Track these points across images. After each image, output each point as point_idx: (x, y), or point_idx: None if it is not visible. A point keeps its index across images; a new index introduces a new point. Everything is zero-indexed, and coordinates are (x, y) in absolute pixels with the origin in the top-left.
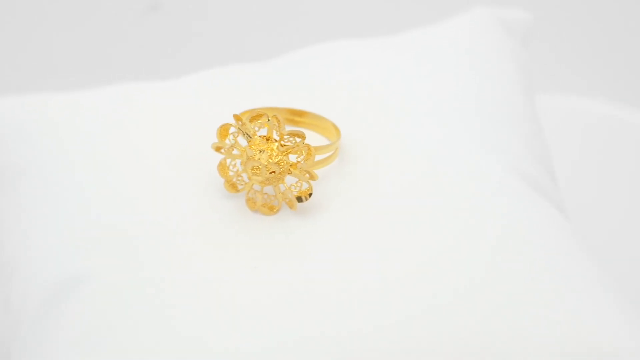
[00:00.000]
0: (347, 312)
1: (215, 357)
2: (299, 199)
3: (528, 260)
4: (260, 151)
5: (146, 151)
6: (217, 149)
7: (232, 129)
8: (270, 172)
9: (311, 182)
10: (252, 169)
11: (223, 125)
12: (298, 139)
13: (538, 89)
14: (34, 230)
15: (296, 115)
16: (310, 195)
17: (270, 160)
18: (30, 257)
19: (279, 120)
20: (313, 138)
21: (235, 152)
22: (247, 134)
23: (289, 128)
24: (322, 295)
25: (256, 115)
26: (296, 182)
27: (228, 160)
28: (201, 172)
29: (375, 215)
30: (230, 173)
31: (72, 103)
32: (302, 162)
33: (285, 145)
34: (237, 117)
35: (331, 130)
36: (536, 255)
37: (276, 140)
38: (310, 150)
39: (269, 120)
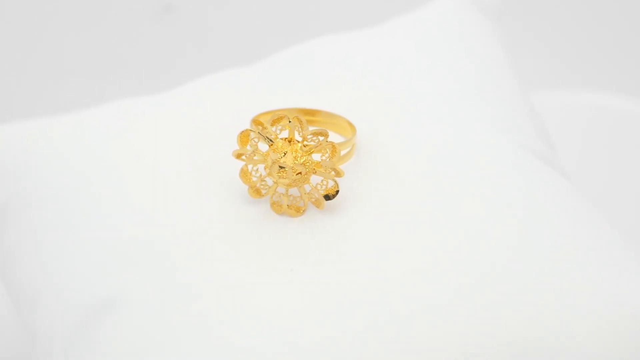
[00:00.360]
0: (379, 310)
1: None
2: (327, 197)
3: (556, 234)
4: (285, 153)
5: (158, 163)
6: (238, 155)
7: (252, 134)
8: (297, 174)
9: (336, 179)
10: (278, 172)
11: (243, 131)
12: (321, 138)
13: (538, 85)
14: (55, 257)
15: (308, 115)
16: (337, 192)
17: (296, 162)
18: (55, 285)
19: (301, 121)
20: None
21: (255, 157)
22: (269, 138)
23: (310, 128)
24: (358, 293)
25: (277, 118)
26: (321, 181)
27: (249, 166)
28: (219, 179)
29: (401, 209)
30: (254, 179)
31: (75, 124)
32: (327, 160)
33: (308, 145)
34: (257, 122)
35: (345, 127)
36: (563, 229)
37: (298, 141)
38: (334, 148)
39: (289, 122)
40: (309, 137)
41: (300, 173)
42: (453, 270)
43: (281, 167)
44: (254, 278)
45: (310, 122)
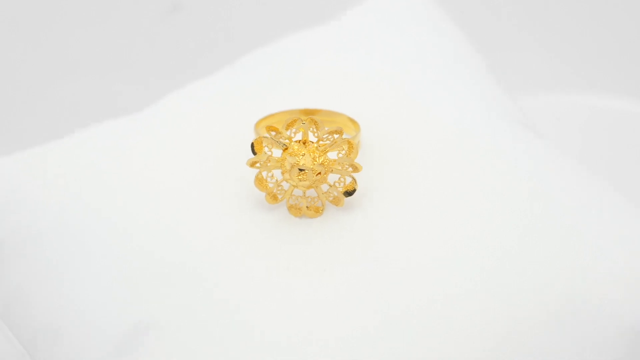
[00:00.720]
0: (420, 296)
1: None
2: (346, 194)
3: (570, 200)
4: (302, 155)
5: (164, 179)
6: (253, 164)
7: (265, 141)
8: (317, 174)
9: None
10: (298, 176)
11: (257, 139)
12: (336, 135)
13: (536, 88)
14: (77, 288)
15: (309, 114)
16: (355, 189)
17: (315, 163)
18: (81, 317)
19: (315, 122)
20: None
21: (270, 163)
22: (283, 143)
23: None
24: (396, 284)
25: (291, 122)
26: (338, 179)
27: (264, 173)
28: (229, 188)
29: (417, 198)
30: (270, 185)
31: (68, 149)
32: (344, 157)
33: (323, 144)
34: (270, 128)
35: (347, 124)
36: (576, 194)
37: (312, 142)
38: (351, 145)
39: (303, 123)
40: (324, 136)
41: (319, 173)
42: (480, 250)
43: (300, 170)
44: (290, 285)
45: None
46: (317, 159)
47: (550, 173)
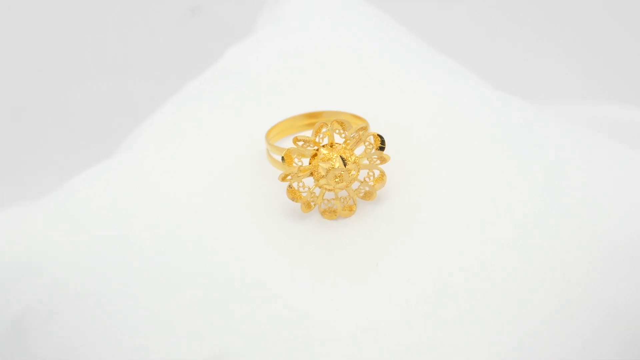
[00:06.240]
0: (475, 268)
1: None
2: (381, 149)
3: (579, 156)
4: (335, 158)
5: (190, 203)
6: (285, 177)
7: (295, 153)
8: (351, 173)
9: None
10: (335, 179)
11: (286, 153)
12: (361, 132)
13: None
14: (142, 335)
15: (313, 118)
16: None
17: (349, 162)
18: None
19: (342, 123)
20: None
21: (300, 174)
22: (313, 149)
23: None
24: (450, 265)
25: (318, 129)
26: (367, 174)
27: (295, 184)
28: (255, 204)
29: (441, 183)
30: (304, 194)
31: (82, 186)
32: (372, 150)
33: (349, 142)
34: (297, 139)
35: (353, 120)
36: (581, 150)
37: (338, 144)
38: (377, 137)
39: (328, 127)
40: (352, 135)
41: (353, 172)
42: (518, 214)
43: (336, 174)
44: (353, 287)
45: (314, 124)
46: (349, 158)
47: (550, 133)
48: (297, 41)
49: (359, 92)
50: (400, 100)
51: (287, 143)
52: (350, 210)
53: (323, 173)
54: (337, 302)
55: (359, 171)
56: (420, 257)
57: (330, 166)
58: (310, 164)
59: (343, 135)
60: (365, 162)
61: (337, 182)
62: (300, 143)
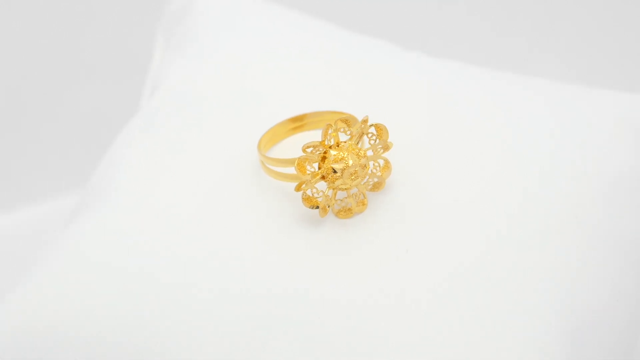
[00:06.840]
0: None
1: None
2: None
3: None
4: (346, 156)
5: (204, 232)
6: (300, 186)
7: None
8: (363, 168)
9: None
10: (350, 177)
11: (299, 162)
12: (362, 125)
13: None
14: None
15: (297, 121)
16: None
17: (360, 156)
18: None
19: (347, 121)
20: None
21: (313, 179)
22: (322, 152)
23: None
24: (476, 243)
25: (325, 132)
26: (373, 165)
27: (308, 191)
28: (271, 218)
29: (449, 170)
30: (320, 199)
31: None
32: (377, 140)
33: (354, 137)
34: (306, 146)
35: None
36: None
37: (344, 142)
38: (379, 127)
39: (333, 128)
40: (355, 131)
41: (365, 166)
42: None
43: (351, 172)
44: (394, 280)
45: (300, 127)
46: (359, 154)
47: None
48: (245, 48)
49: (328, 90)
50: (386, 95)
51: (278, 151)
52: (363, 204)
53: (339, 174)
54: (376, 303)
55: (368, 164)
56: (447, 242)
57: (345, 165)
58: (320, 168)
59: (348, 132)
60: (370, 153)
61: (353, 179)
62: (310, 149)
